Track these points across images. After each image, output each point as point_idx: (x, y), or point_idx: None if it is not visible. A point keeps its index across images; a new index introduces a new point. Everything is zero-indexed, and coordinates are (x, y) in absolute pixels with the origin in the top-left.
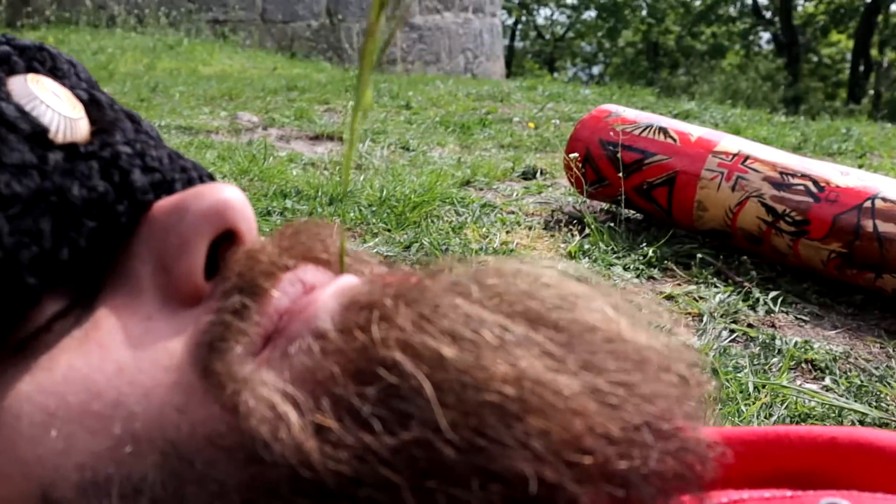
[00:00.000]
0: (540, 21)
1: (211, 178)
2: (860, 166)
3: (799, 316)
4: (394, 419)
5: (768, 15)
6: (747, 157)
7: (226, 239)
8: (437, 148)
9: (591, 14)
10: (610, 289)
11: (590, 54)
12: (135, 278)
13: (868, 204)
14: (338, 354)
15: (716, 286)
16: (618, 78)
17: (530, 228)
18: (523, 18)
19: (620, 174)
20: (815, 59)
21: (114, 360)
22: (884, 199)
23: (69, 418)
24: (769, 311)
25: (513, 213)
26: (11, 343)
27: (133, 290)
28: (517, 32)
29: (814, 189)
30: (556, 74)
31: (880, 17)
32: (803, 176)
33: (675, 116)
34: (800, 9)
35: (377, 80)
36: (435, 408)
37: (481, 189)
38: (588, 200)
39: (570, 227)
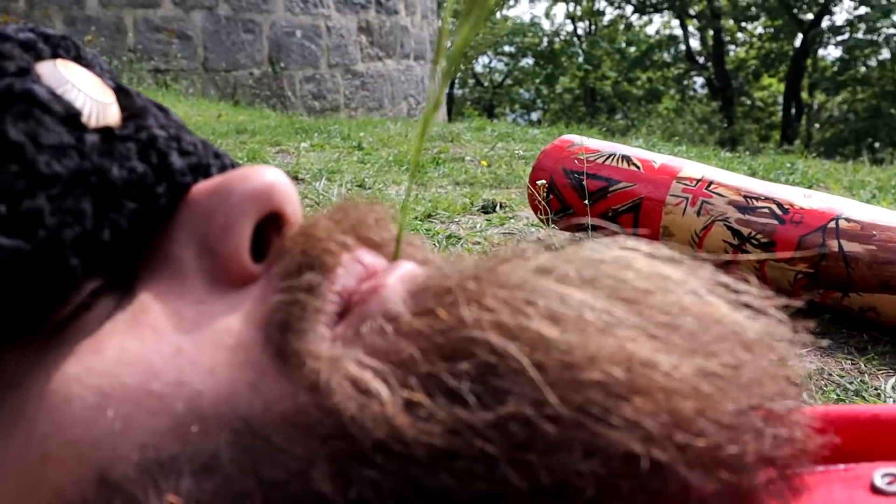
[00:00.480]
0: (478, 69)
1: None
2: None
3: None
4: (489, 395)
5: (702, 60)
6: (711, 183)
7: (270, 222)
8: (392, 186)
9: (528, 61)
10: (700, 269)
11: (528, 101)
12: (175, 261)
13: (832, 224)
14: (415, 336)
15: None
16: (556, 123)
17: None
18: (462, 66)
19: (586, 202)
20: (748, 102)
21: (170, 343)
22: (847, 220)
23: (126, 399)
24: None
25: (478, 243)
26: (48, 326)
27: (175, 273)
28: (456, 80)
29: (778, 211)
30: (495, 120)
31: (809, 62)
32: (767, 199)
33: None
34: (732, 54)
35: (327, 122)
36: (541, 385)
37: (444, 222)
38: (555, 228)
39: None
